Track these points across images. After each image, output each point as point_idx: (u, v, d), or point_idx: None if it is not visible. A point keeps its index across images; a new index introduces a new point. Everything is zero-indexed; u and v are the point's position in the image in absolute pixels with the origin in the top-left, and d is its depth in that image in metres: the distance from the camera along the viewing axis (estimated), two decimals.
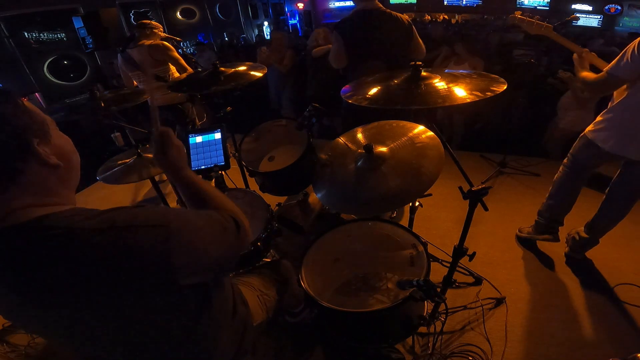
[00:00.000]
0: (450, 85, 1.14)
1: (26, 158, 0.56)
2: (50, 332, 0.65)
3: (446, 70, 1.27)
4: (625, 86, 1.54)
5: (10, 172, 0.55)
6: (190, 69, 2.67)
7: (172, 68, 2.77)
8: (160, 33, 2.73)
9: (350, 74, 2.12)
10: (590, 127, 1.74)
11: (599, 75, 1.54)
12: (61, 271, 0.54)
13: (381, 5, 2.02)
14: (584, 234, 1.91)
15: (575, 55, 1.73)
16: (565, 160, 1.91)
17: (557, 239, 2.01)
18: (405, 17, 2.05)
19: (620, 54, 1.44)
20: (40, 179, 0.58)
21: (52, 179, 0.60)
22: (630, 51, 1.38)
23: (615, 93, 1.62)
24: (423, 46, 2.13)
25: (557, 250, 2.11)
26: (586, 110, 3.04)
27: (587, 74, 1.64)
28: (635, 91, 1.50)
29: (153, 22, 2.72)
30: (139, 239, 0.56)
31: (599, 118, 1.71)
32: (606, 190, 1.82)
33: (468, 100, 1.04)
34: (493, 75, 1.18)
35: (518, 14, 1.97)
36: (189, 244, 0.62)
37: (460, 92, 1.09)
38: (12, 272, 0.55)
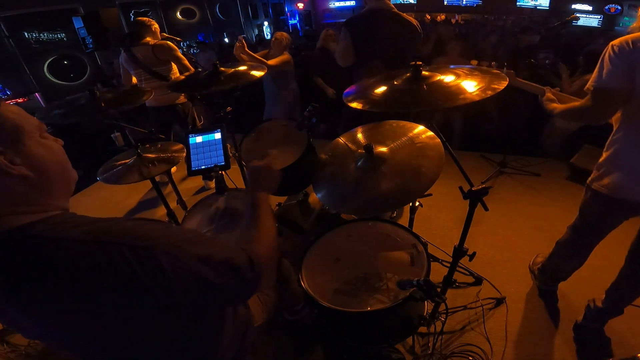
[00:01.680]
0: (458, 81, 1.12)
1: None
2: (46, 337, 0.65)
3: (451, 66, 1.26)
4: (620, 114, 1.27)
5: None
6: (192, 69, 2.67)
7: (175, 67, 2.77)
8: (155, 28, 2.74)
9: (356, 72, 2.12)
10: (595, 175, 1.40)
11: (585, 99, 1.27)
12: (48, 281, 0.53)
13: (392, 6, 2.01)
14: (600, 304, 1.55)
15: (540, 98, 1.57)
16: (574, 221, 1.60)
17: (553, 289, 1.85)
18: (415, 21, 2.05)
19: (598, 65, 1.22)
20: (7, 189, 0.55)
21: (22, 189, 0.57)
22: (607, 56, 1.18)
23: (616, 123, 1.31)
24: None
25: None
26: None
27: (567, 105, 1.42)
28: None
29: (147, 19, 2.72)
30: (121, 257, 0.54)
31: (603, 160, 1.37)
32: (626, 256, 1.50)
33: (469, 100, 1.03)
34: (494, 71, 1.17)
35: (474, 63, 1.78)
36: (173, 269, 0.57)
37: (469, 86, 1.07)
38: (3, 280, 0.54)
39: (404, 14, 2.03)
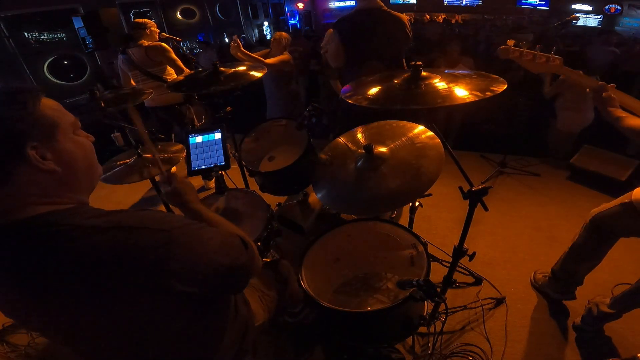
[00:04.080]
0: (451, 85, 1.14)
1: (17, 161, 0.56)
2: (51, 330, 0.65)
3: (446, 71, 1.27)
4: None
5: (0, 173, 0.55)
6: (187, 70, 2.66)
7: (170, 68, 2.77)
8: (156, 30, 2.74)
9: (348, 73, 2.12)
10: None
11: None
12: (62, 267, 0.54)
13: (382, 5, 2.01)
14: (606, 309, 1.54)
15: (589, 91, 1.24)
16: (587, 223, 1.56)
17: (572, 298, 1.75)
18: (405, 17, 2.04)
19: None
20: (35, 181, 0.58)
21: (49, 182, 0.60)
22: None
23: None
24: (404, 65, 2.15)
25: None
26: (582, 111, 3.04)
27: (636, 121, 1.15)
28: None
29: (149, 21, 2.72)
30: (140, 241, 0.57)
31: None
32: None
33: (468, 100, 1.04)
34: (493, 76, 1.18)
35: (511, 44, 1.35)
36: (189, 253, 0.62)
37: (461, 92, 1.09)
38: (14, 268, 0.55)
39: (395, 12, 2.02)
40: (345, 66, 2.11)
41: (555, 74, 1.35)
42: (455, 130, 3.80)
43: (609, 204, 1.46)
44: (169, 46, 2.72)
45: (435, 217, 2.47)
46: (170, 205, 1.05)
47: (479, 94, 1.05)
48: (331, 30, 3.42)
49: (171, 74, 2.76)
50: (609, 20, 10.34)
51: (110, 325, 0.61)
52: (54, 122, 0.60)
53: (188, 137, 1.62)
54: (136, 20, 2.72)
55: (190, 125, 2.96)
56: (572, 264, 1.67)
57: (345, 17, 2.07)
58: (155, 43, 2.64)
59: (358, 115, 1.68)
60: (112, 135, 3.21)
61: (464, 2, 12.26)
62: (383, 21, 1.98)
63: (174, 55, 2.67)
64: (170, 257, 0.58)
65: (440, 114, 3.61)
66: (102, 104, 1.75)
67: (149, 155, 1.53)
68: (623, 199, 1.40)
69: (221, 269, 0.69)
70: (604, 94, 1.20)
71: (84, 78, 6.31)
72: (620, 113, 1.19)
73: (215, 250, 0.68)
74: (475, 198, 1.12)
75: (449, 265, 1.41)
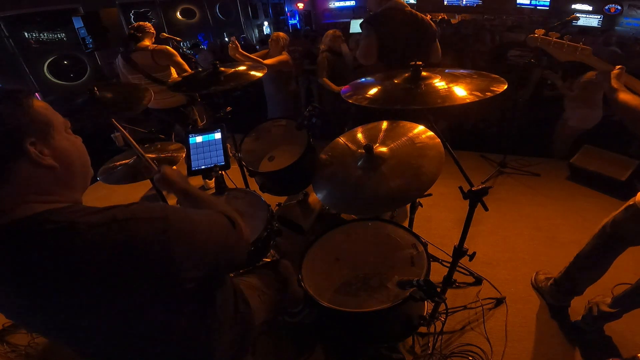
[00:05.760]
0: (450, 85, 1.14)
1: (17, 157, 0.56)
2: (51, 330, 0.65)
3: (446, 71, 1.26)
4: None
5: (0, 170, 0.56)
6: (190, 72, 2.66)
7: (174, 72, 2.76)
8: (153, 31, 2.73)
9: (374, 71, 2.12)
10: None
11: None
12: (62, 266, 0.54)
13: (407, 5, 2.04)
14: (606, 308, 1.53)
15: (596, 75, 1.29)
16: (596, 232, 1.53)
17: (567, 306, 1.76)
18: (428, 18, 2.07)
19: None
20: (34, 178, 0.59)
21: (47, 179, 0.60)
22: None
23: None
24: (440, 50, 2.18)
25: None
26: (593, 107, 3.02)
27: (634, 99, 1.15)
28: None
29: (147, 24, 2.71)
30: (140, 231, 0.57)
31: None
32: None
33: (468, 101, 1.04)
34: (494, 75, 1.18)
35: (540, 33, 1.37)
36: (188, 236, 0.62)
37: (460, 92, 1.08)
38: (13, 268, 0.55)
39: (419, 13, 2.06)
40: (382, 64, 2.09)
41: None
42: (442, 129, 3.81)
43: (616, 212, 1.43)
44: (170, 47, 2.71)
45: (435, 217, 2.47)
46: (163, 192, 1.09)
47: (479, 94, 1.05)
48: (331, 31, 3.42)
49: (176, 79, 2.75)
50: (609, 20, 10.34)
51: (113, 324, 0.61)
52: (48, 120, 0.61)
53: (188, 137, 1.62)
54: (139, 23, 2.70)
55: (190, 125, 2.95)
56: (577, 271, 1.64)
57: (378, 14, 2.05)
58: (161, 46, 2.61)
59: (366, 114, 1.69)
60: (112, 135, 3.21)
61: (464, 2, 12.26)
62: (412, 21, 2.01)
63: (180, 59, 2.65)
64: (171, 243, 0.59)
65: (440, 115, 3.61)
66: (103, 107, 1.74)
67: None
68: (628, 202, 1.38)
69: (220, 251, 0.72)
70: (614, 73, 1.22)
71: (84, 78, 6.32)
72: (620, 87, 1.20)
73: (207, 230, 0.69)
74: (475, 198, 1.12)
75: (449, 265, 1.42)
